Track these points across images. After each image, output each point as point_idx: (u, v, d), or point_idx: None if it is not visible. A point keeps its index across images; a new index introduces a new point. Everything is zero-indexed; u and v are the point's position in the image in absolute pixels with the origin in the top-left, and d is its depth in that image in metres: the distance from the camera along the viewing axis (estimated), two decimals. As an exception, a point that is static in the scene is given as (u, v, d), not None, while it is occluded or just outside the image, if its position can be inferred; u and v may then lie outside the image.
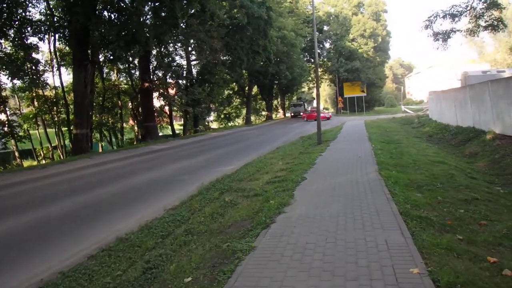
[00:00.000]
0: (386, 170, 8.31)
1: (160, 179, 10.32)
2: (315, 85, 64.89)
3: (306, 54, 58.40)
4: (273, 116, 67.95)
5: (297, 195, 6.82)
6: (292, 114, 48.96)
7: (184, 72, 31.15)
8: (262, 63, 40.87)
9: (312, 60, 57.89)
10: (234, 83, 51.36)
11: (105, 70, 32.82)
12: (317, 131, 16.06)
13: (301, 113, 44.67)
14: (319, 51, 57.61)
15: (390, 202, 5.84)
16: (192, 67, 34.54)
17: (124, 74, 33.18)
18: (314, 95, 77.56)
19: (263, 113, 58.83)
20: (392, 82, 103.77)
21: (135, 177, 10.88)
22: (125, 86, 34.07)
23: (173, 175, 10.75)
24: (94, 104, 28.94)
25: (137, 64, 30.18)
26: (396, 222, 4.97)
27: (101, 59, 27.05)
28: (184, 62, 33.40)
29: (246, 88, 51.38)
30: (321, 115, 36.70)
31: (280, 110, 69.77)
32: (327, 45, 60.99)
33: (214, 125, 52.46)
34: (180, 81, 31.70)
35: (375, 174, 7.95)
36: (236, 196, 7.23)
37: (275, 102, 70.20)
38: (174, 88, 30.92)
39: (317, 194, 6.73)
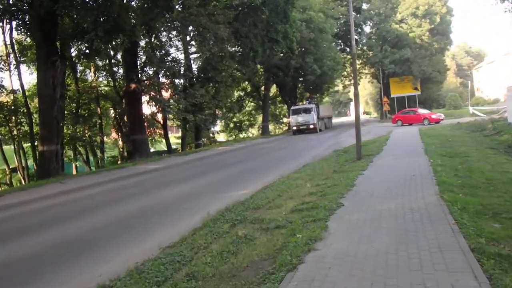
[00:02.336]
0: (449, 192, 8.24)
1: (153, 208, 10.46)
2: (352, 81, 65.14)
3: (340, 41, 58.86)
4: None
5: (332, 226, 6.81)
6: (296, 127, 38.88)
7: (182, 69, 31.68)
8: (282, 54, 41.17)
9: (348, 50, 58.06)
10: (247, 82, 51.94)
11: (80, 68, 33.59)
12: (356, 143, 16.03)
13: (311, 124, 38.13)
14: (356, 37, 57.82)
15: (457, 235, 5.80)
16: (192, 62, 35.17)
17: (104, 73, 33.90)
18: (352, 95, 77.37)
19: (285, 120, 58.99)
20: (456, 76, 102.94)
21: (121, 206, 11.01)
22: (106, 88, 34.76)
23: (170, 203, 10.88)
24: (66, 112, 29.65)
25: (120, 60, 30.79)
26: (466, 262, 4.95)
27: (73, 54, 27.63)
28: (181, 56, 34.09)
29: (262, 88, 51.81)
30: (434, 116, 37.95)
31: (307, 116, 69.78)
32: (367, 29, 61.30)
33: (221, 137, 53.10)
34: (177, 81, 32.23)
35: (435, 198, 7.89)
36: (252, 229, 7.27)
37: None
38: (169, 90, 31.43)
39: (358, 225, 6.70)
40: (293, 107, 41.28)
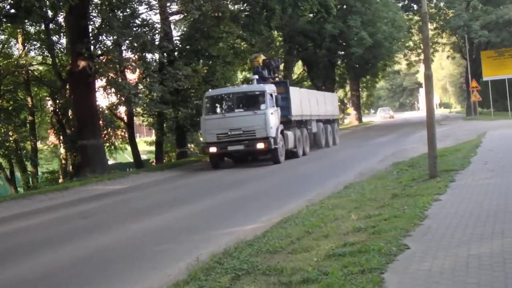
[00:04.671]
0: None
1: (112, 251, 10.56)
2: (421, 57, 64.09)
3: (403, -4, 59.00)
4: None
5: (391, 281, 6.68)
6: (215, 147, 26.60)
7: (157, 38, 31.76)
8: (312, 15, 41.27)
9: (415, 7, 57.95)
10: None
11: (1, 36, 33.70)
12: (429, 152, 15.87)
13: (259, 141, 25.66)
14: (428, -12, 57.61)
15: None
16: (173, 27, 35.29)
17: (38, 45, 34.00)
18: (421, 78, 76.74)
19: None
20: None
21: (61, 248, 11.06)
22: (40, 68, 34.94)
23: (138, 244, 10.99)
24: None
25: (63, 24, 30.83)
26: None
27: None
28: (155, 18, 34.09)
29: (281, 68, 51.57)
30: None
31: (352, 110, 69.68)
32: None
33: None
34: (149, 56, 32.26)
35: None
36: (266, 285, 7.16)
37: (339, 93, 70.27)
38: (137, 70, 31.30)
39: (432, 280, 6.57)
40: (209, 93, 28.76)
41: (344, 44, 47.17)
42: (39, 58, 35.18)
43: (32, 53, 34.90)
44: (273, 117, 26.25)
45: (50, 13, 28.85)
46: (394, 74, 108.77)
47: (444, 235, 8.69)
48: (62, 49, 33.06)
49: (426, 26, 16.58)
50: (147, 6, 32.84)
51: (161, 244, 10.72)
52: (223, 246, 9.43)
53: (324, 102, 36.69)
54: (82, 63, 26.70)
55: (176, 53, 32.97)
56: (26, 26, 31.67)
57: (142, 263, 9.40)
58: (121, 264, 9.45)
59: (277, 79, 32.25)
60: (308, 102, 32.88)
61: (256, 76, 29.54)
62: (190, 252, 9.51)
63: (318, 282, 6.96)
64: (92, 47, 28.34)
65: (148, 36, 30.56)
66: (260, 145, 25.65)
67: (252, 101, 27.20)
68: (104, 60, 28.89)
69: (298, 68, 58.48)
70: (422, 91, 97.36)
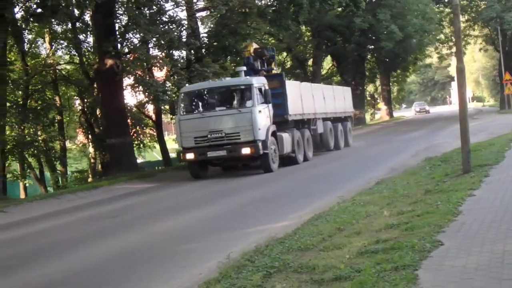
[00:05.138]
0: None
1: (141, 250, 10.65)
2: (453, 50, 63.77)
3: (434, -14, 58.46)
4: (367, 117, 67.47)
5: (425, 278, 6.62)
6: (193, 153, 23.11)
7: (184, 35, 31.77)
8: (340, 9, 41.08)
9: (446, 0, 57.42)
10: (285, 53, 51.90)
11: (28, 36, 33.94)
12: (462, 147, 15.72)
13: (244, 146, 22.41)
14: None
15: None
16: (200, 23, 35.42)
17: (65, 44, 34.35)
18: (453, 71, 76.18)
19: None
20: None
21: (90, 248, 11.17)
22: (68, 67, 35.14)
23: (167, 242, 11.03)
24: (8, 104, 29.91)
25: (89, 23, 31.11)
26: None
27: (18, 16, 28.12)
28: (182, 15, 34.08)
29: (310, 63, 52.19)
30: None
31: (382, 105, 69.28)
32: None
33: None
34: (177, 53, 32.40)
35: None
36: (298, 282, 7.11)
37: (369, 88, 69.93)
38: (165, 68, 31.43)
39: (466, 277, 6.55)
40: (186, 88, 25.78)
41: (373, 38, 46.92)
42: (67, 57, 35.41)
43: (59, 52, 35.21)
44: (261, 116, 22.56)
45: (76, 11, 29.02)
46: (425, 67, 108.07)
47: (479, 231, 8.65)
48: (89, 48, 33.39)
49: (457, 18, 16.40)
50: (173, 3, 32.73)
51: (190, 243, 10.78)
52: (254, 244, 9.44)
53: (333, 98, 32.68)
54: (109, 62, 26.89)
55: (203, 50, 32.94)
56: (53, 25, 31.86)
57: (172, 262, 9.45)
58: (150, 263, 9.51)
59: (274, 71, 29.82)
60: (312, 98, 28.83)
61: (244, 68, 25.70)
62: (220, 250, 9.52)
63: (350, 279, 6.92)
64: (119, 45, 28.50)
65: (175, 33, 30.58)
66: (246, 151, 22.09)
67: (236, 97, 23.94)
68: (131, 58, 28.98)
69: (327, 63, 58.33)
70: (454, 85, 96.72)
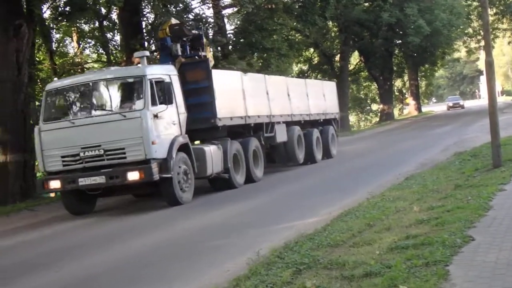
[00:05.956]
0: None
1: (166, 248, 10.86)
2: (481, 44, 63.02)
3: (462, -21, 57.91)
4: (396, 112, 66.90)
5: (456, 274, 6.60)
6: (61, 181, 15.83)
7: (210, 31, 31.79)
8: (367, 4, 40.82)
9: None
10: (312, 49, 51.75)
11: (56, 35, 34.20)
12: (492, 141, 15.64)
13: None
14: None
15: None
16: (226, 20, 35.50)
17: (93, 42, 34.64)
18: (482, 65, 75.47)
19: (374, 107, 58.17)
20: None
21: (116, 246, 11.44)
22: (96, 65, 35.16)
23: (191, 240, 11.24)
24: (38, 104, 30.10)
25: (116, 21, 31.34)
26: None
27: (46, 15, 28.35)
28: (209, 12, 34.19)
29: (337, 58, 52.21)
30: None
31: (410, 100, 68.77)
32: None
33: None
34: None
35: None
36: (328, 278, 7.11)
37: (397, 83, 69.42)
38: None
39: (498, 272, 6.53)
40: (51, 84, 18.13)
41: (401, 32, 46.56)
42: (94, 55, 35.71)
43: (87, 51, 35.50)
44: (159, 122, 15.76)
45: (103, 10, 29.24)
46: (453, 62, 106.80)
47: (510, 225, 8.65)
48: (116, 46, 33.64)
49: (486, 12, 16.31)
50: (200, 0, 33.07)
51: (218, 238, 10.87)
52: (283, 240, 9.45)
53: (306, 95, 25.54)
54: (136, 60, 26.77)
55: (230, 47, 33.03)
56: (81, 24, 32.22)
57: (199, 260, 9.52)
58: (178, 261, 9.65)
59: (209, 56, 21.63)
60: (266, 95, 21.99)
61: (146, 52, 18.61)
62: (248, 247, 9.56)
63: (381, 275, 6.93)
64: (146, 43, 28.66)
65: (202, 30, 30.50)
66: (133, 176, 15.09)
67: (121, 96, 16.85)
68: (158, 56, 29.16)
69: (355, 59, 57.90)
70: (483, 79, 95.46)
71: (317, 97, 26.62)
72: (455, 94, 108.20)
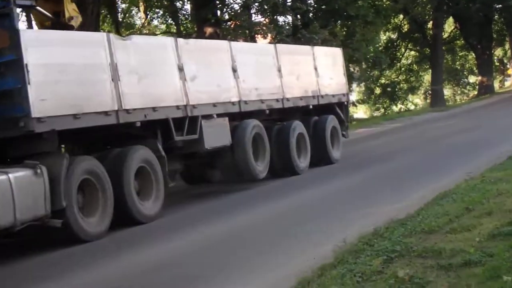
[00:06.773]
0: None
1: (248, 231, 11.19)
2: None
3: None
4: (496, 84, 65.39)
5: None
6: None
7: (289, -1, 31.54)
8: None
9: None
10: (401, 16, 52.25)
11: (122, 5, 34.79)
12: None
13: None
14: None
15: None
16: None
17: (161, 13, 35.52)
18: None
19: (472, 79, 57.45)
20: None
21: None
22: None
23: (263, 227, 11.42)
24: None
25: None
26: None
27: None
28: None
29: (430, 26, 51.78)
30: None
31: (513, 71, 67.41)
32: None
33: (360, 112, 55.51)
34: (281, 19, 32.49)
35: None
36: (422, 268, 6.97)
37: (497, 52, 67.71)
38: (269, 35, 31.30)
39: None
40: None
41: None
42: (163, 26, 36.85)
43: (155, 22, 36.68)
44: None
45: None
46: None
47: None
48: (186, 16, 34.26)
49: None
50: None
51: (302, 224, 11.01)
52: (372, 226, 9.55)
53: (277, 69, 17.55)
54: (208, 30, 27.08)
55: (310, 15, 33.25)
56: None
57: (285, 246, 9.67)
58: (263, 246, 9.82)
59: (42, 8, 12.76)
60: (177, 71, 13.65)
61: None
62: (333, 232, 9.86)
63: (482, 264, 6.83)
64: (218, 12, 28.98)
65: (280, -2, 30.93)
66: None
67: None
68: (232, 26, 29.40)
69: (449, 26, 57.34)
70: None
71: (301, 71, 18.97)
72: None
